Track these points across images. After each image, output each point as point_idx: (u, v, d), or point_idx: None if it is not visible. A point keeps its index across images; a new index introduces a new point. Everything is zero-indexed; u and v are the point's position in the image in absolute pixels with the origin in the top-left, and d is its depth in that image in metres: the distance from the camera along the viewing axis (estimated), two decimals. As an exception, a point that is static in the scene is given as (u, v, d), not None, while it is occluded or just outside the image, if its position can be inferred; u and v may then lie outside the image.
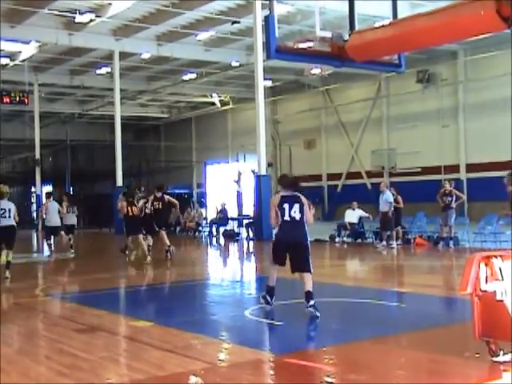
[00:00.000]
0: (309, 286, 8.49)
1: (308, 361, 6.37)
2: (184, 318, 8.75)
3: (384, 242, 19.04)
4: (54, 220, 18.22)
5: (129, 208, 16.76)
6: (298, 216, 8.60)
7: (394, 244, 18.83)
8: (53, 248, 18.76)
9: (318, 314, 8.17)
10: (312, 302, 8.28)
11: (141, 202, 17.10)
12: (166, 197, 17.05)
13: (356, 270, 15.92)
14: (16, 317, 9.23)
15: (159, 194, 16.93)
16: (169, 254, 16.39)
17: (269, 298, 8.92)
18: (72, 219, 19.17)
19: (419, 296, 10.28)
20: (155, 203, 16.69)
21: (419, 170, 30.39)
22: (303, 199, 8.71)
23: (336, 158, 35.43)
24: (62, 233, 18.66)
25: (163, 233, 16.63)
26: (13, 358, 6.67)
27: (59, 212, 18.36)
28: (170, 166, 46.34)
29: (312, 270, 8.66)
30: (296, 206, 8.61)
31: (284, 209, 8.64)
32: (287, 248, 8.75)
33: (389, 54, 9.56)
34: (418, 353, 6.53)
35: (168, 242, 16.46)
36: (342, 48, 8.90)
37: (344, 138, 35.06)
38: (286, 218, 8.62)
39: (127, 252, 17.16)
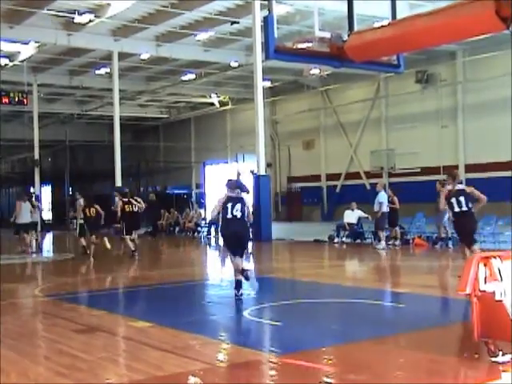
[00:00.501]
0: (245, 265, 10.13)
1: (307, 361, 6.37)
2: (183, 319, 8.75)
3: (383, 242, 19.07)
4: (25, 218, 19.84)
5: (87, 210, 18.15)
6: (239, 214, 9.81)
7: (383, 244, 18.83)
8: (23, 246, 19.97)
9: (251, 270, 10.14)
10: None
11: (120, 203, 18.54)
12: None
13: (355, 270, 15.92)
14: (15, 317, 9.23)
15: (126, 199, 18.38)
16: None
17: (240, 290, 9.87)
18: (35, 218, 21.00)
19: (418, 296, 10.29)
20: (126, 206, 18.18)
21: (418, 170, 30.42)
22: (246, 200, 10.03)
23: (335, 159, 35.44)
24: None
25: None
26: (12, 359, 6.66)
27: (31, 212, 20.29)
28: (169, 167, 46.35)
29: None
30: (238, 206, 9.83)
31: (227, 208, 9.81)
32: (234, 241, 10.00)
33: (388, 55, 9.56)
34: (417, 353, 6.53)
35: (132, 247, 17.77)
36: (341, 48, 8.90)
37: (343, 139, 35.07)
38: (229, 216, 9.82)
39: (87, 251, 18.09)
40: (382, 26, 9.12)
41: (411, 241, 19.63)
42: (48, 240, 30.28)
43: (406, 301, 9.96)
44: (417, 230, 20.35)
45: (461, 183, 11.50)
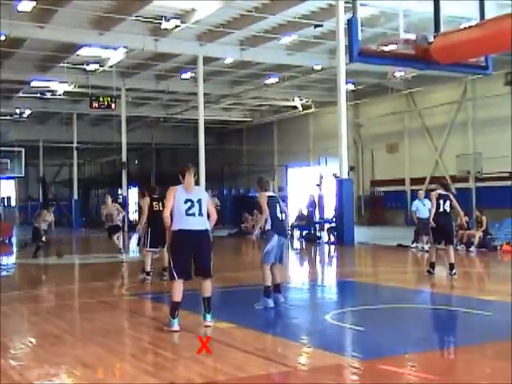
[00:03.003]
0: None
1: (390, 367, 6.30)
2: (265, 321, 8.81)
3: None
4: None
5: None
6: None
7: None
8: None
9: None
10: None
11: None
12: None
13: (439, 276, 15.56)
14: (103, 315, 9.52)
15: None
16: None
17: None
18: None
19: (506, 305, 9.98)
20: None
21: (507, 174, 29.48)
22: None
23: (419, 162, 34.81)
24: None
25: None
26: (100, 355, 6.88)
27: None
28: (251, 170, 46.67)
29: None
30: None
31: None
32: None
33: (475, 56, 9.37)
34: (503, 363, 6.35)
35: None
36: (426, 50, 8.79)
37: (428, 142, 34.43)
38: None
39: None
40: (470, 27, 8.95)
41: (499, 247, 19.10)
42: (134, 240, 31.01)
43: (493, 309, 9.68)
44: (505, 237, 19.78)
45: None
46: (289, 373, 6.15)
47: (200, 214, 8.14)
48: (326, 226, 24.99)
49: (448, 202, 12.81)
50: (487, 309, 9.36)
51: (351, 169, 30.88)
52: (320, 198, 28.00)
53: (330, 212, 26.71)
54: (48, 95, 36.59)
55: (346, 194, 22.33)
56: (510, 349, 6.69)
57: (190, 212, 8.08)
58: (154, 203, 13.01)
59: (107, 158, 51.39)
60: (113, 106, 30.95)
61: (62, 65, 30.38)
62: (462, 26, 9.70)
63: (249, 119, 46.22)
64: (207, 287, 8.32)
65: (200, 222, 8.14)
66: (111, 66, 30.74)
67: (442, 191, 12.97)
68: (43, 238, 20.15)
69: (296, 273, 16.82)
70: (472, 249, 19.09)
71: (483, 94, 30.88)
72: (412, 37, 8.92)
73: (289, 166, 43.40)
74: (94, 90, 32.80)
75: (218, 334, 7.90)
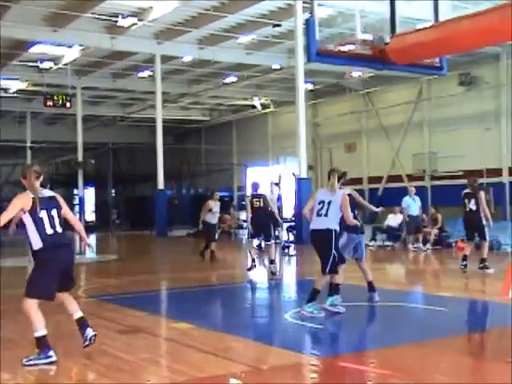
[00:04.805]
0: None
1: (348, 364, 6.35)
2: (224, 321, 8.80)
3: (420, 245, 19.48)
4: None
5: None
6: None
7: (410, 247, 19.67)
8: None
9: None
10: None
11: None
12: None
13: (395, 273, 15.77)
14: (58, 318, 9.37)
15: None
16: None
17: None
18: None
19: (459, 300, 10.16)
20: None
21: (461, 173, 29.98)
22: None
23: (377, 162, 35.19)
24: None
25: None
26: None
27: None
28: (210, 169, 46.59)
29: None
30: None
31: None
32: None
33: (431, 57, 9.49)
34: (458, 357, 6.45)
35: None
36: (383, 51, 8.88)
37: (385, 141, 34.80)
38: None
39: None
40: (425, 28, 9.07)
41: (453, 244, 19.44)
42: (91, 241, 30.69)
43: (447, 304, 9.84)
44: (459, 234, 20.12)
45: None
46: (249, 372, 6.14)
47: (326, 214, 8.57)
48: (285, 225, 25.08)
49: (473, 200, 13.17)
50: (442, 304, 9.50)
51: (310, 168, 31.06)
52: (279, 197, 28.06)
53: (289, 211, 26.80)
54: (0, 93, 35.91)
55: (304, 192, 22.44)
56: (463, 343, 6.80)
57: (320, 212, 8.62)
58: (255, 200, 13.86)
59: (63, 158, 50.65)
60: (68, 104, 30.46)
61: (14, 62, 29.86)
62: (417, 27, 9.84)
63: (207, 118, 46.10)
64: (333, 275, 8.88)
65: (322, 221, 8.57)
66: (66, 64, 30.30)
67: (468, 190, 13.42)
68: (216, 236, 17.72)
69: (255, 272, 16.82)
70: (428, 246, 19.39)
71: (438, 94, 31.34)
72: (369, 37, 9.00)
73: (248, 166, 43.40)
74: (49, 88, 32.33)
75: (176, 335, 7.86)
